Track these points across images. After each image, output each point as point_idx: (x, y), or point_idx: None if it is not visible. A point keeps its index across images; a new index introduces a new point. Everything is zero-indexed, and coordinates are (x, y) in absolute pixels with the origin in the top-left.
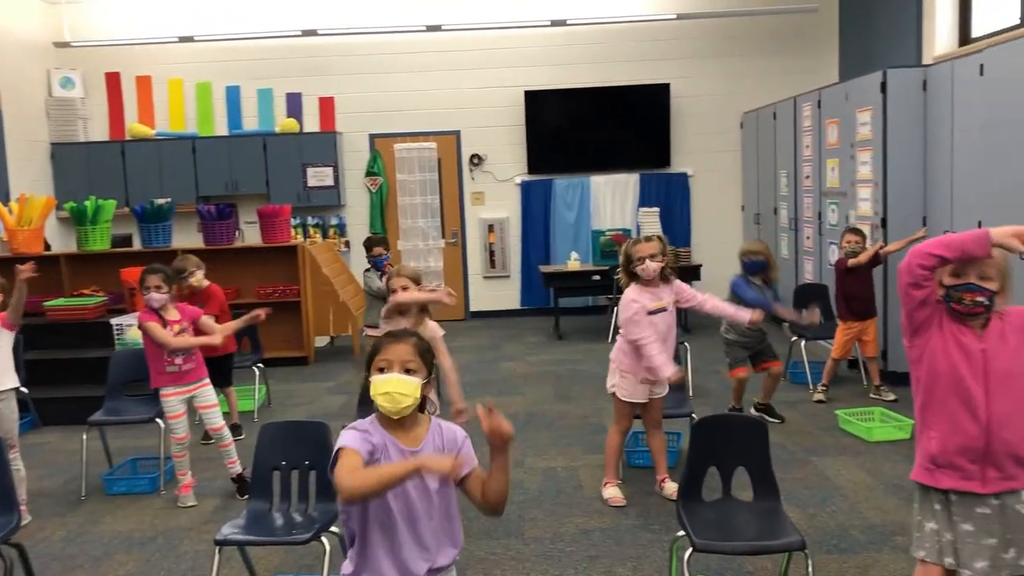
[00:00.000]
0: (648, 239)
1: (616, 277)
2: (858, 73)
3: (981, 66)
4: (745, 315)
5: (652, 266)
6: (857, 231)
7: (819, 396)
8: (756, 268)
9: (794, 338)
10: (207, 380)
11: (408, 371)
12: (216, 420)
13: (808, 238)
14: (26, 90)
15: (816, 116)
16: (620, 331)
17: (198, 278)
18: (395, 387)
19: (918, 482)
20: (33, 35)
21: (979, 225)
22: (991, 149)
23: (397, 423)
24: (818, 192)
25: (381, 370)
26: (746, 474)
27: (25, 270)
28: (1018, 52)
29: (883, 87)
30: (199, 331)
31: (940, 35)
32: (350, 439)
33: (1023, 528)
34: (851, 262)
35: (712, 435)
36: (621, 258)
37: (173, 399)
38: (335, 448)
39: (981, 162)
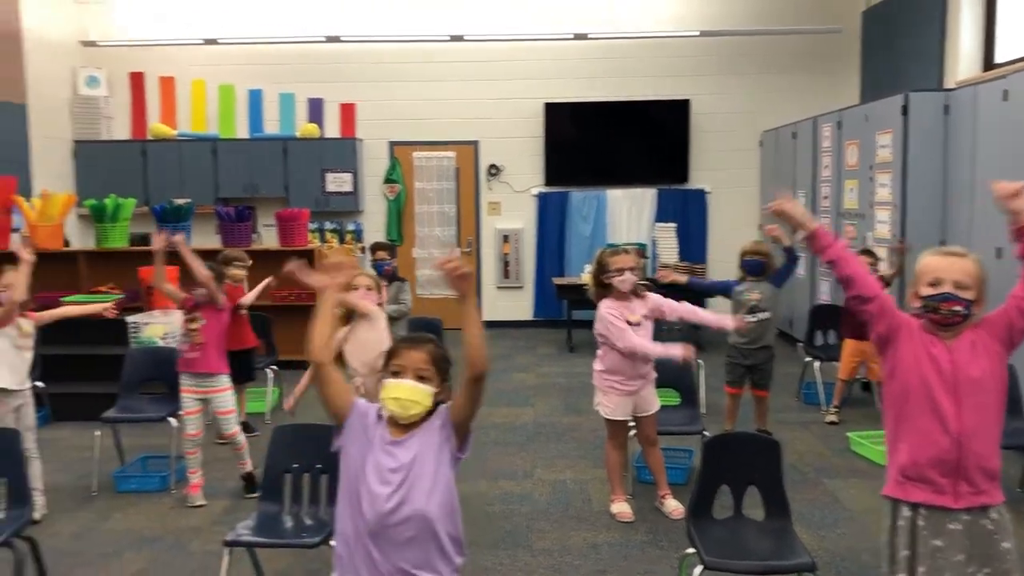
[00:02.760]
0: (626, 250)
1: (585, 288)
2: (879, 95)
3: (1005, 91)
4: (728, 322)
5: (631, 278)
6: (869, 252)
7: (831, 417)
8: (755, 268)
9: (808, 359)
10: (224, 384)
11: (421, 378)
12: (229, 427)
13: None
14: (52, 88)
15: (836, 137)
16: (598, 350)
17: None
18: (407, 394)
19: (888, 497)
20: (60, 34)
21: (998, 252)
22: (1013, 174)
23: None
24: (836, 213)
25: (395, 374)
26: (757, 493)
27: (24, 252)
28: None
29: (904, 110)
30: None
31: (963, 59)
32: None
33: (987, 544)
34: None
35: (724, 453)
36: (593, 267)
37: (185, 395)
38: None
39: None
